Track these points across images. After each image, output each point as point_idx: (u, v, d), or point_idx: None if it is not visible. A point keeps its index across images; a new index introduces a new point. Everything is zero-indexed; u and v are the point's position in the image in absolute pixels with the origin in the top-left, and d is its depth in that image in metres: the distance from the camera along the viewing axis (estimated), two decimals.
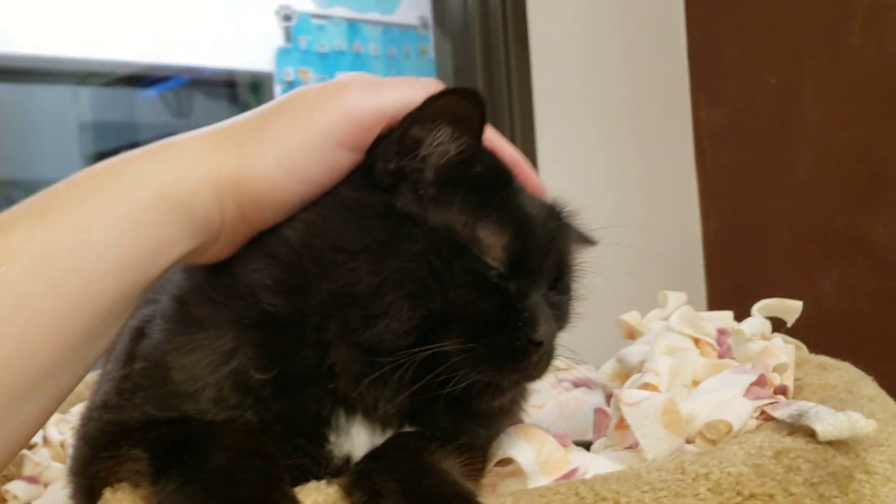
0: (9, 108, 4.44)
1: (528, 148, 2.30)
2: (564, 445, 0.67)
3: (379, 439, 0.60)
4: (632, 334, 1.06)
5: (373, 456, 0.57)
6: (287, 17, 5.06)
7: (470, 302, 0.57)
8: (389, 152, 0.59)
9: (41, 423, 0.54)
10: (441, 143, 0.58)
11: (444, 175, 0.59)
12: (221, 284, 0.59)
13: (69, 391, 0.54)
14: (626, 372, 0.92)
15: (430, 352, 0.55)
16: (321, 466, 0.58)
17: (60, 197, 0.53)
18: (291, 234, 0.58)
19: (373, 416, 0.59)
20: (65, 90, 4.41)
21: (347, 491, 0.53)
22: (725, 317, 0.97)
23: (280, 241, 0.58)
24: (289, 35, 5.07)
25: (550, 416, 1.01)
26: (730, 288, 2.60)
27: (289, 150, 0.56)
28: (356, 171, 0.60)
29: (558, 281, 0.66)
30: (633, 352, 0.99)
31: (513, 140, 2.25)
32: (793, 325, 0.96)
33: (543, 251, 0.62)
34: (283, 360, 0.57)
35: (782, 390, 0.78)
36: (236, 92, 4.37)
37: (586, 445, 0.71)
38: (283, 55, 5.05)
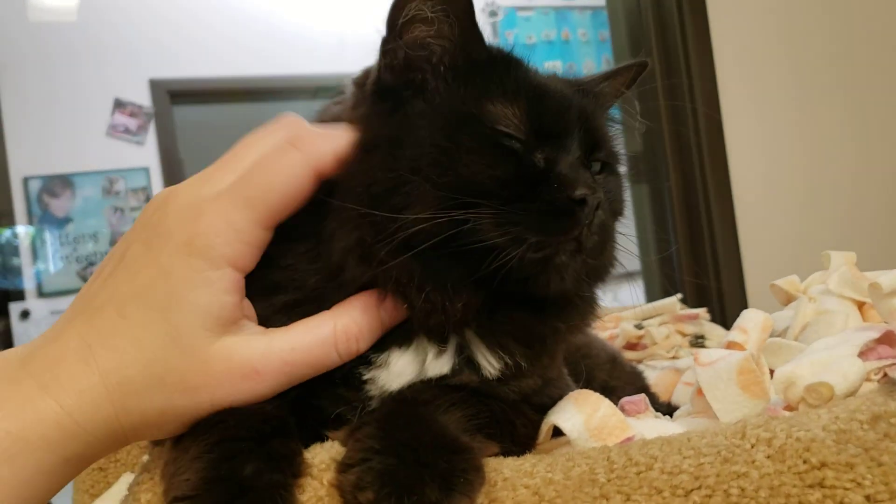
0: (257, 124, 4.89)
1: (715, 130, 2.15)
2: (638, 411, 0.62)
3: (433, 362, 0.59)
4: (788, 300, 0.96)
5: (374, 411, 0.57)
6: (493, 13, 5.13)
7: (485, 169, 0.56)
8: (386, 57, 0.61)
9: None
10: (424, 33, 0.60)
11: (441, 63, 0.60)
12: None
13: None
14: None
15: (455, 217, 0.54)
16: (357, 410, 0.58)
17: None
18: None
19: (443, 324, 0.57)
20: (299, 105, 4.81)
21: (343, 443, 0.53)
22: None
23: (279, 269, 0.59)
24: (496, 30, 5.14)
25: None
26: None
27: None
28: None
29: (595, 151, 0.63)
30: (779, 318, 0.89)
31: (695, 121, 2.12)
32: None
33: (564, 115, 0.61)
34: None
35: None
36: None
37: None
38: None
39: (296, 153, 0.56)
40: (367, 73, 0.65)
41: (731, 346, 0.63)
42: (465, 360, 0.60)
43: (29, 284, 4.30)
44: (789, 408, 0.60)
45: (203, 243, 0.52)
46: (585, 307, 0.64)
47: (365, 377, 0.59)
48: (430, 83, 0.60)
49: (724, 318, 1.99)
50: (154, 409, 0.53)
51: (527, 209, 0.55)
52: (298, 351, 0.55)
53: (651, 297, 2.30)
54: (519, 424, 0.60)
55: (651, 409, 0.63)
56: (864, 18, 2.36)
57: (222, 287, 0.53)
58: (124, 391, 0.52)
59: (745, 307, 2.03)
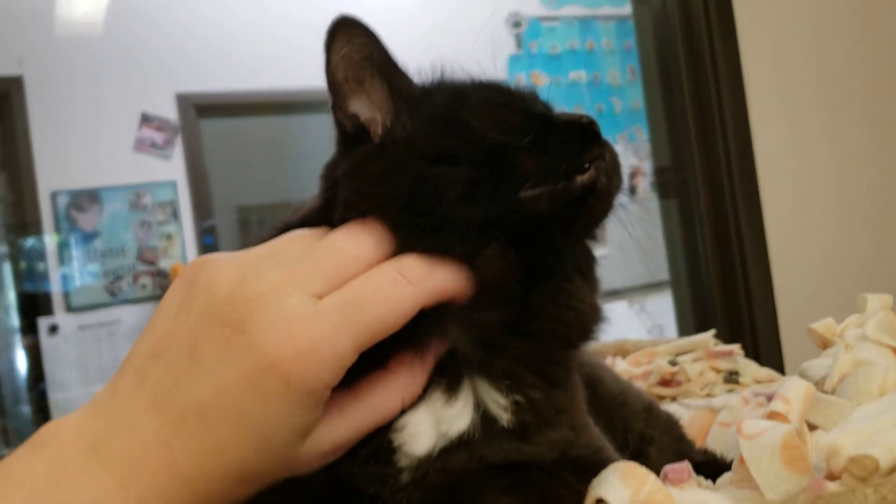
0: (283, 137, 4.92)
1: (744, 147, 2.13)
2: (682, 480, 0.62)
3: (446, 411, 0.59)
4: (825, 345, 0.96)
5: (427, 499, 0.57)
6: (517, 24, 5.14)
7: (499, 119, 0.60)
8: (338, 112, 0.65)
9: None
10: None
11: (389, 102, 0.64)
12: None
13: None
14: None
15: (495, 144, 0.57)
16: (395, 488, 0.58)
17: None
18: None
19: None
20: (325, 119, 4.83)
21: None
22: None
23: None
24: (519, 41, 5.15)
25: None
26: None
27: None
28: None
29: None
30: (816, 366, 0.89)
31: (724, 139, 2.10)
32: None
33: (526, 93, 0.67)
34: None
35: None
36: None
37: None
38: (514, 62, 5.13)
39: (410, 289, 0.55)
40: (328, 165, 0.67)
41: (773, 416, 0.64)
42: (484, 417, 0.60)
43: (55, 288, 4.35)
44: (831, 477, 0.60)
45: (304, 369, 0.51)
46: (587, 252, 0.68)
47: (395, 444, 0.59)
48: (389, 121, 0.64)
49: (757, 351, 1.98)
50: (242, 496, 0.55)
51: (549, 141, 0.59)
52: (372, 421, 0.58)
53: (684, 330, 2.28)
54: (564, 496, 0.60)
55: (694, 476, 0.63)
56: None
57: (317, 406, 0.54)
58: (214, 494, 0.53)
59: (778, 341, 2.02)
